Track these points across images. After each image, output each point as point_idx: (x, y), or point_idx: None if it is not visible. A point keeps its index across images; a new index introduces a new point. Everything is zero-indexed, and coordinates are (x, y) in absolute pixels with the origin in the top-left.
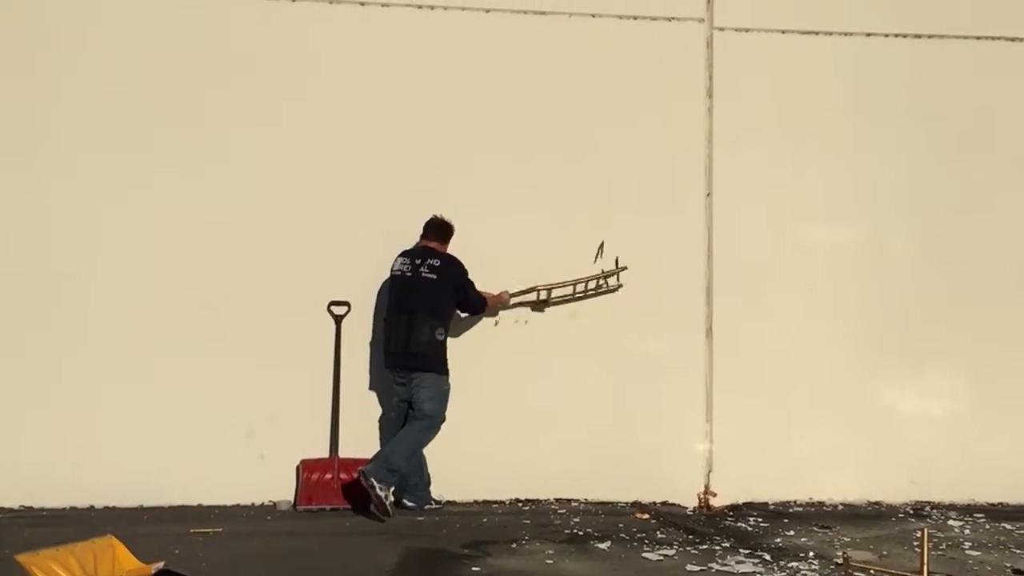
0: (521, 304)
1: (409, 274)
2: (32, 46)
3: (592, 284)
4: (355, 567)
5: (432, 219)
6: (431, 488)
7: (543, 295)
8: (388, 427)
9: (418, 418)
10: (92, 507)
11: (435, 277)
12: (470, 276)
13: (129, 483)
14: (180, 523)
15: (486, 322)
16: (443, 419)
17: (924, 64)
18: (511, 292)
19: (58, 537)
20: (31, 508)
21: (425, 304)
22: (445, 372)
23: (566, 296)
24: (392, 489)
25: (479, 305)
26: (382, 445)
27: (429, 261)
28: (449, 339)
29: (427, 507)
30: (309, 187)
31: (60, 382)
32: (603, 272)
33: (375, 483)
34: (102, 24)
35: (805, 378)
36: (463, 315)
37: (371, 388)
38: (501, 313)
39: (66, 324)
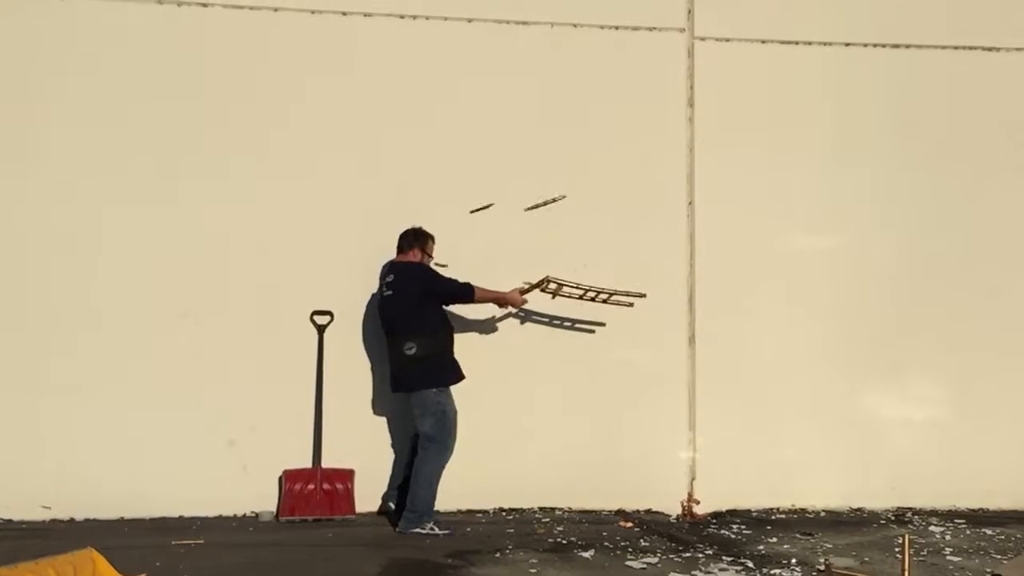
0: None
1: (380, 298)
2: (25, 57)
3: (604, 297)
4: None
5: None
6: None
7: (551, 287)
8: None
9: (422, 444)
10: (72, 519)
11: (392, 293)
12: (440, 273)
13: (109, 495)
14: (161, 535)
15: (466, 334)
16: (447, 435)
17: (903, 73)
18: (523, 288)
19: (37, 550)
20: (10, 521)
21: (393, 324)
22: (431, 385)
23: (575, 295)
24: (432, 523)
25: (462, 292)
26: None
27: (387, 279)
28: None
29: (410, 530)
30: (290, 196)
31: (39, 393)
32: (617, 290)
33: (416, 531)
34: (87, 40)
35: (787, 386)
36: (452, 306)
37: (355, 398)
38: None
39: (45, 334)
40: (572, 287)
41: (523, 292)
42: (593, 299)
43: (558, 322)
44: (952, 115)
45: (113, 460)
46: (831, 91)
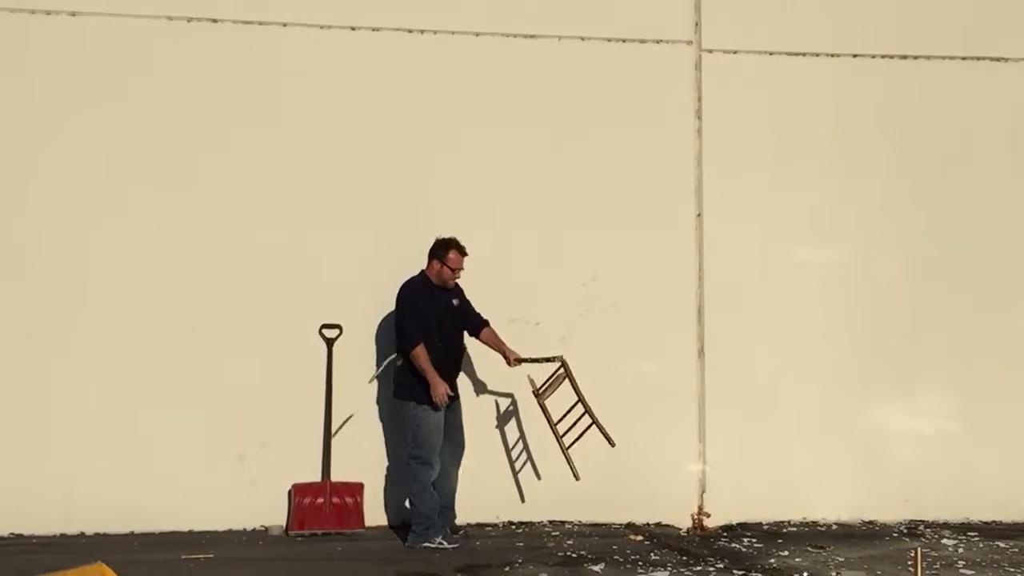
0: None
1: None
2: (35, 73)
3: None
4: None
5: None
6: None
7: (542, 386)
8: None
9: (407, 460)
10: (82, 534)
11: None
12: (411, 305)
13: (119, 509)
14: (171, 549)
15: (474, 344)
16: (422, 450)
17: (910, 85)
18: (518, 358)
19: (48, 565)
20: (20, 536)
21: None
22: (408, 398)
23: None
24: (440, 537)
25: (404, 341)
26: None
27: None
28: None
29: (418, 546)
30: (300, 210)
31: (48, 408)
32: (598, 422)
33: (423, 546)
34: (97, 55)
35: (797, 397)
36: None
37: (364, 412)
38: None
39: (54, 349)
40: (574, 386)
41: (530, 360)
42: (572, 426)
43: (565, 336)
44: (960, 126)
45: (123, 474)
46: (839, 102)
